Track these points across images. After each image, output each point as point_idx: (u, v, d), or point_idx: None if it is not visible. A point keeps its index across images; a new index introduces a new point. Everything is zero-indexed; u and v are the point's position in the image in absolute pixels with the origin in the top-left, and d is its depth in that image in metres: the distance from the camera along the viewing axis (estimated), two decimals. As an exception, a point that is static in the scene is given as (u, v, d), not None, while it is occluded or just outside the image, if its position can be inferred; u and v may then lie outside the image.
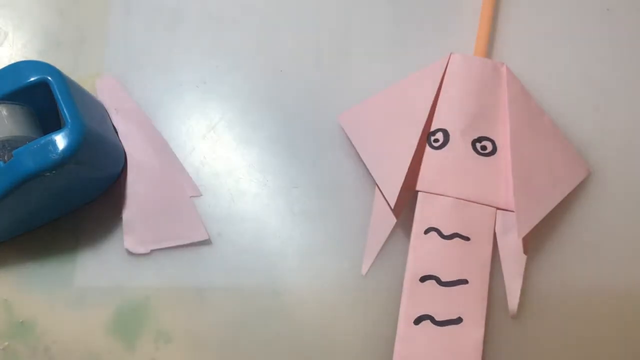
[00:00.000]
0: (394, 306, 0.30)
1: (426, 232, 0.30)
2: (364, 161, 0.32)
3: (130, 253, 0.32)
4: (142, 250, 0.32)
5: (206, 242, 0.32)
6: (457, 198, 0.30)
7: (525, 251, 0.30)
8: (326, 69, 0.35)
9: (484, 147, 0.31)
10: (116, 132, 0.34)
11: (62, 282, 0.32)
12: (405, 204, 0.31)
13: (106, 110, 0.34)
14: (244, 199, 0.33)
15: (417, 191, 0.31)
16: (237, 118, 0.35)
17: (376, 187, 0.32)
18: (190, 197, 0.33)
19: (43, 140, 0.28)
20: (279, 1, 0.37)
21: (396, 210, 0.31)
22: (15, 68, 0.30)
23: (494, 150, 0.31)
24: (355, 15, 0.37)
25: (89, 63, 0.36)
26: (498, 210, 0.31)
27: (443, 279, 0.30)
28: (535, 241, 0.31)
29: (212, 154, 0.34)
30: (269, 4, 0.37)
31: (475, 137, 0.31)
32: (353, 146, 0.33)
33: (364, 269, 0.31)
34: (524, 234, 0.30)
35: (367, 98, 0.33)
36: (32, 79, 0.30)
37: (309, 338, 0.31)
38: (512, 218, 0.30)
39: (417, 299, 0.30)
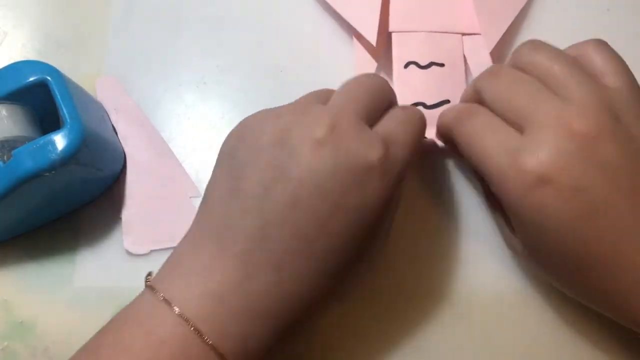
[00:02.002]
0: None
1: (406, 66, 0.34)
2: (340, 13, 0.35)
3: (129, 253, 0.32)
4: (141, 250, 0.32)
5: (206, 242, 0.32)
6: (426, 31, 0.35)
7: None
8: (326, 68, 0.35)
9: None
10: (116, 132, 0.34)
11: (62, 282, 0.32)
12: (382, 47, 0.35)
13: (106, 111, 0.34)
14: (243, 199, 0.33)
15: (391, 32, 0.35)
16: (237, 118, 0.34)
17: (354, 39, 0.35)
18: (190, 197, 0.33)
19: (42, 140, 0.28)
20: (279, 1, 0.37)
21: (375, 54, 0.35)
22: (15, 68, 0.30)
23: None
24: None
25: (89, 63, 0.36)
26: (464, 36, 0.35)
27: (428, 103, 0.34)
28: (500, 60, 0.34)
29: (212, 154, 0.34)
30: (269, 4, 0.37)
31: None
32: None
33: None
34: (491, 47, 0.34)
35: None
36: (31, 79, 0.30)
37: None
38: (477, 40, 0.35)
39: None
